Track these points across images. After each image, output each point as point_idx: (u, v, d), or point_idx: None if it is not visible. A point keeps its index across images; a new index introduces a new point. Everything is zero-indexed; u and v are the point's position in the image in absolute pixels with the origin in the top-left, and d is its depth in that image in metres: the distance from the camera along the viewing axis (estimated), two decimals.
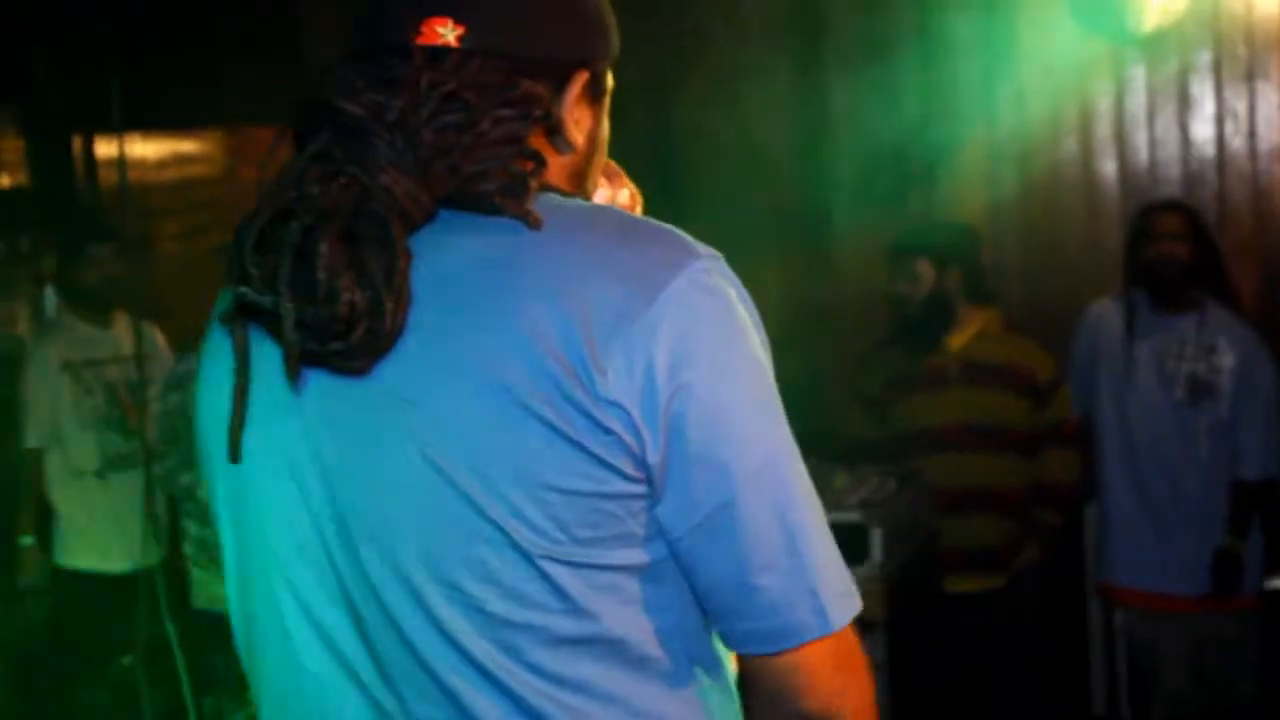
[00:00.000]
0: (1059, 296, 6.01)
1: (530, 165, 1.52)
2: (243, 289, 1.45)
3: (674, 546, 1.52)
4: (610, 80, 1.70)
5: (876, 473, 4.94)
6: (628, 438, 1.46)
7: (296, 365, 1.46)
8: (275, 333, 1.48)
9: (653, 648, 1.53)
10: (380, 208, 1.45)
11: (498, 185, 1.50)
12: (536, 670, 1.50)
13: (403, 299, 1.45)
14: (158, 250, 6.96)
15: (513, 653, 1.49)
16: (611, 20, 1.68)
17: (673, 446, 1.47)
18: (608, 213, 1.56)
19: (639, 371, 1.45)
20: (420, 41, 1.54)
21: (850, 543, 4.52)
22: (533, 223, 1.48)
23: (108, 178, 6.81)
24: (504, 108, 1.52)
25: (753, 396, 1.51)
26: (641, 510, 1.50)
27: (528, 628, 1.49)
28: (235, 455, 1.56)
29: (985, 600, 5.14)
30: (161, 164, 7.07)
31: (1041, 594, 5.29)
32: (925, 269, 5.14)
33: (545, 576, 1.47)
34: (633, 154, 6.43)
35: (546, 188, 1.56)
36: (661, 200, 6.42)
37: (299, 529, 1.56)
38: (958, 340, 5.15)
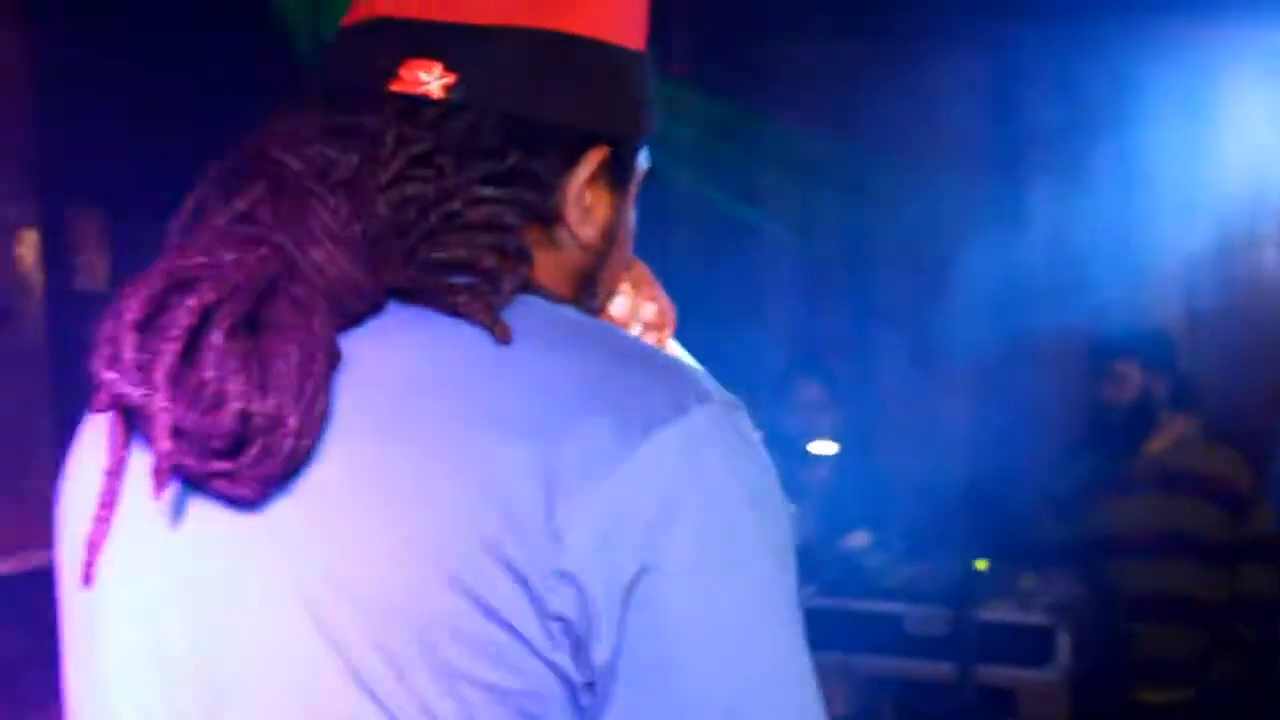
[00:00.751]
0: (1258, 409, 5.88)
1: (510, 262, 1.20)
2: (111, 374, 1.10)
3: None
4: (644, 164, 1.36)
5: (1065, 576, 4.87)
6: (578, 625, 1.08)
7: (164, 480, 1.11)
8: (147, 436, 1.11)
9: None
10: (303, 291, 1.12)
11: (465, 282, 1.17)
12: None
13: (313, 415, 1.10)
14: None
15: None
16: (651, 94, 1.33)
17: (624, 646, 1.08)
18: (606, 333, 1.20)
19: (608, 539, 1.07)
20: (396, 88, 1.21)
21: (1036, 645, 4.45)
22: (500, 335, 1.13)
23: None
24: (487, 184, 1.20)
25: (744, 604, 1.12)
26: None
27: None
28: (88, 577, 1.19)
29: (1175, 712, 5.00)
30: None
31: (1235, 709, 5.13)
32: (1132, 372, 5.05)
33: None
34: (826, 261, 6.38)
35: (532, 289, 1.22)
36: (853, 305, 6.35)
37: (143, 691, 1.21)
38: (1157, 446, 5.05)
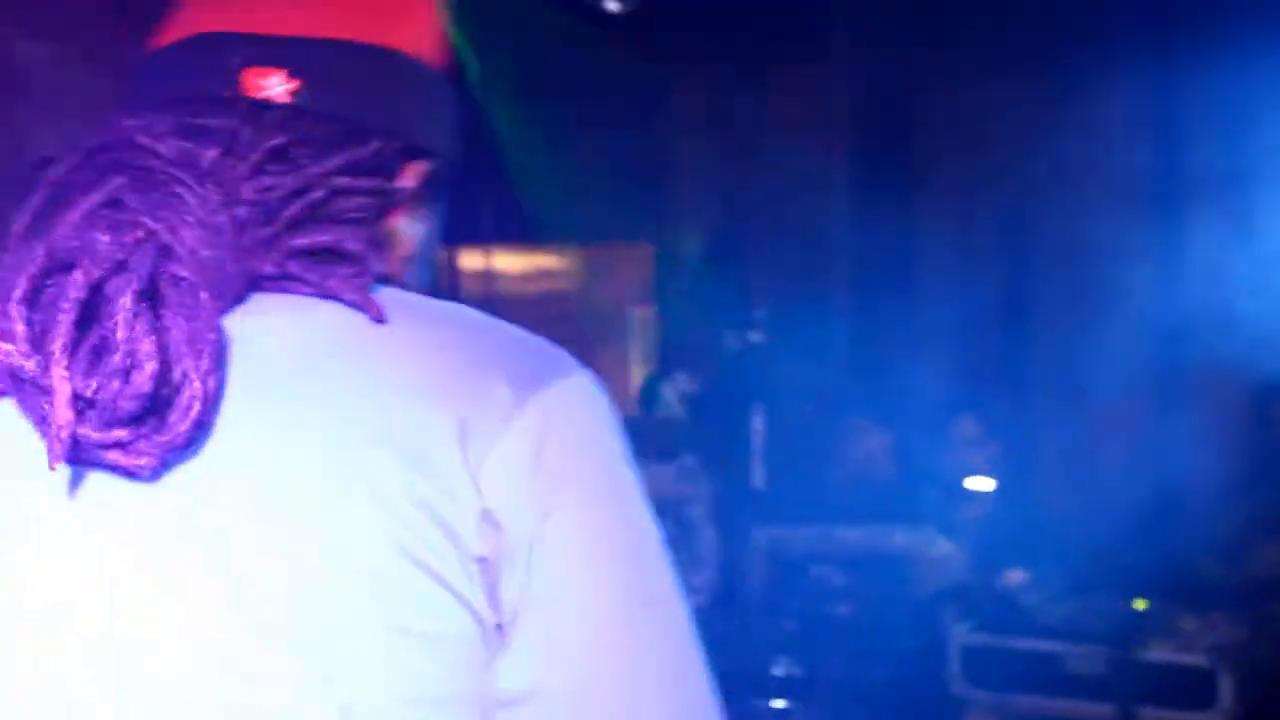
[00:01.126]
0: None
1: (374, 248, 1.24)
2: (5, 346, 1.09)
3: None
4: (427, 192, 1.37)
5: (1226, 618, 4.79)
6: (494, 565, 1.14)
7: (61, 451, 1.08)
8: (36, 409, 1.11)
9: None
10: (183, 270, 1.14)
11: (332, 267, 1.21)
12: None
13: (209, 385, 1.11)
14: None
15: None
16: (454, 118, 1.38)
17: (530, 581, 1.15)
18: (473, 313, 1.25)
19: (518, 483, 1.14)
20: (242, 93, 1.24)
21: (1195, 688, 4.39)
22: (374, 314, 1.18)
23: (472, 288, 7.07)
24: (344, 175, 1.24)
25: (629, 542, 1.20)
26: (480, 665, 1.16)
27: None
28: None
29: None
30: (525, 277, 7.31)
31: None
32: None
33: None
34: (982, 286, 6.38)
35: (386, 279, 1.25)
36: (1011, 331, 6.35)
37: (52, 680, 1.17)
38: None
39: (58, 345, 1.07)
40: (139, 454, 1.11)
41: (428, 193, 1.35)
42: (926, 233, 6.78)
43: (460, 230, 7.09)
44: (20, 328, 1.08)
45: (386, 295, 1.21)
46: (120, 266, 1.11)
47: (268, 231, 1.20)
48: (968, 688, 4.68)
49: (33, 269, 1.10)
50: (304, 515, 1.13)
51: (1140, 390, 6.23)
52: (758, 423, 5.50)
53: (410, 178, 1.31)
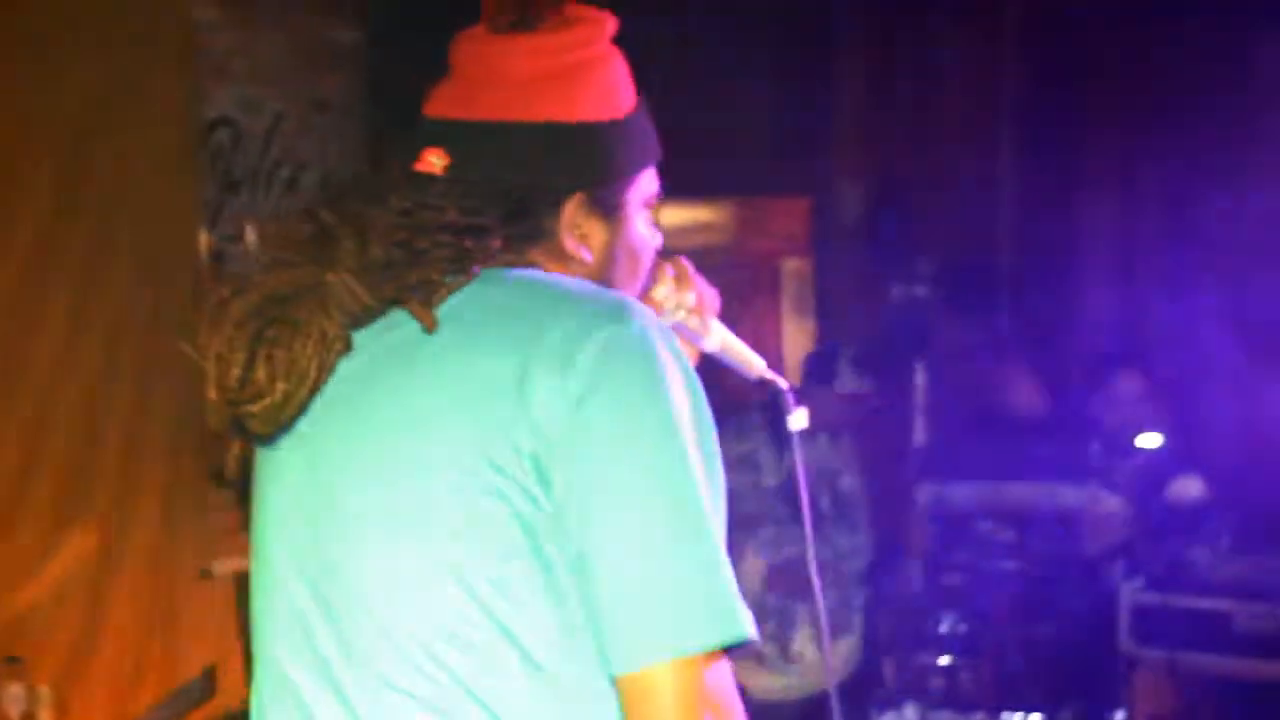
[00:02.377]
0: None
1: (450, 278, 1.68)
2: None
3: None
4: (634, 194, 1.82)
5: None
6: (543, 458, 1.59)
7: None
8: None
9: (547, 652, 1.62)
10: (320, 297, 1.66)
11: (417, 293, 1.68)
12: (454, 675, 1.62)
13: (307, 383, 1.66)
14: None
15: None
16: (617, 146, 1.79)
17: (572, 474, 1.58)
18: (561, 279, 1.72)
19: (558, 399, 1.58)
20: (417, 168, 1.75)
21: None
22: (427, 325, 1.66)
23: None
24: (444, 232, 1.69)
25: (646, 459, 1.58)
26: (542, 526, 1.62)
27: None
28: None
29: None
30: (682, 231, 7.32)
31: None
32: None
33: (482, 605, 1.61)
34: (1144, 242, 6.26)
35: (526, 263, 1.75)
36: (1174, 285, 6.23)
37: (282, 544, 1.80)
38: None
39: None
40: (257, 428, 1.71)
41: (598, 212, 1.79)
42: (1089, 189, 6.69)
43: None
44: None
45: (510, 276, 1.71)
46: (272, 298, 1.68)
47: (391, 273, 1.67)
48: (1137, 646, 4.65)
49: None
50: (426, 439, 1.63)
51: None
52: (920, 377, 5.48)
53: (569, 208, 1.76)
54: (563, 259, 1.77)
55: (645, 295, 1.93)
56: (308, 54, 6.07)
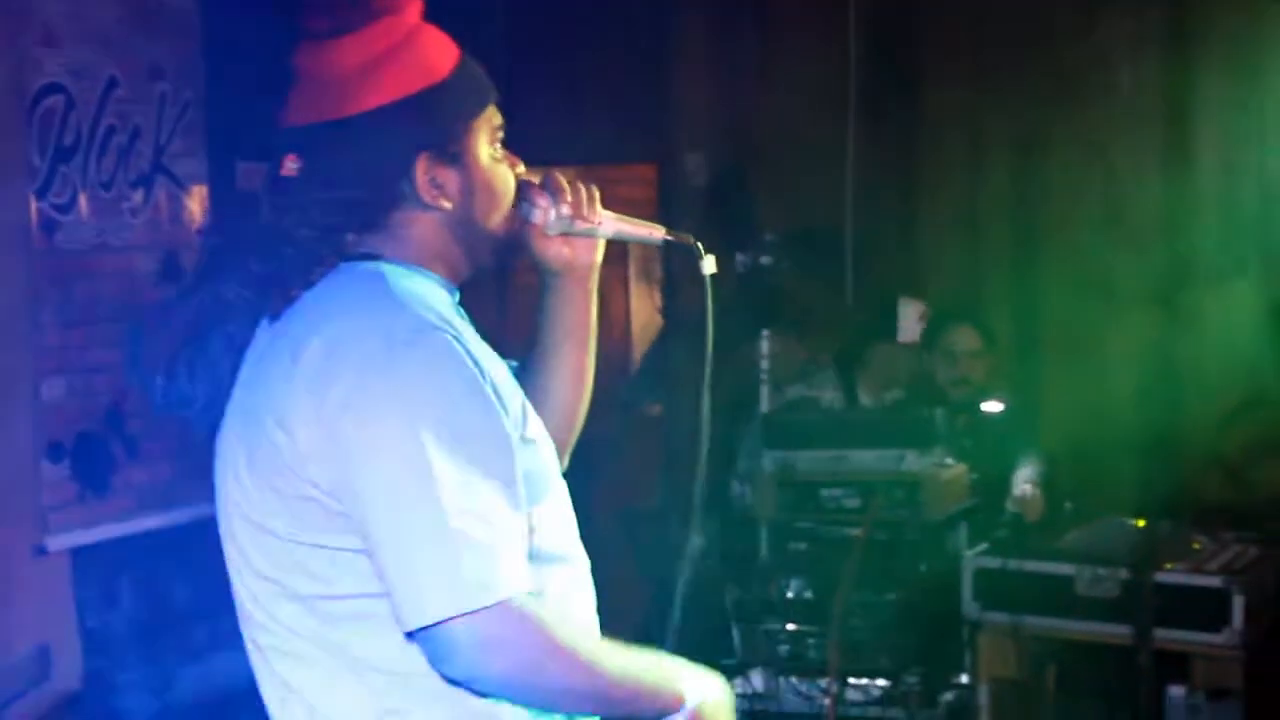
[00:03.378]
0: None
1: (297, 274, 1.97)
2: None
3: None
4: (475, 138, 2.06)
5: (1235, 538, 4.78)
6: (301, 460, 1.91)
7: None
8: None
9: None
10: (220, 308, 1.99)
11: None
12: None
13: (224, 382, 2.02)
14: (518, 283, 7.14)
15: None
16: (444, 101, 2.02)
17: (328, 475, 1.89)
18: (356, 287, 1.96)
19: (321, 415, 1.86)
20: (281, 174, 2.00)
21: (1211, 609, 4.37)
22: (271, 313, 1.99)
23: None
24: (307, 235, 1.98)
25: (385, 469, 1.85)
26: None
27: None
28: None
29: None
30: None
31: None
32: None
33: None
34: (994, 208, 6.36)
35: (386, 258, 2.02)
36: (1017, 256, 6.29)
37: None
38: None
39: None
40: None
41: (445, 162, 2.03)
42: (932, 151, 6.72)
43: None
44: None
45: (334, 282, 1.99)
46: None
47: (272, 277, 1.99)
48: (980, 610, 4.66)
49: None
50: (242, 434, 1.98)
51: (1148, 313, 6.17)
52: (765, 346, 5.45)
53: (419, 169, 2.01)
54: (424, 214, 2.04)
55: (523, 221, 2.17)
56: (140, 19, 5.93)
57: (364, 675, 1.93)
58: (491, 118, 2.09)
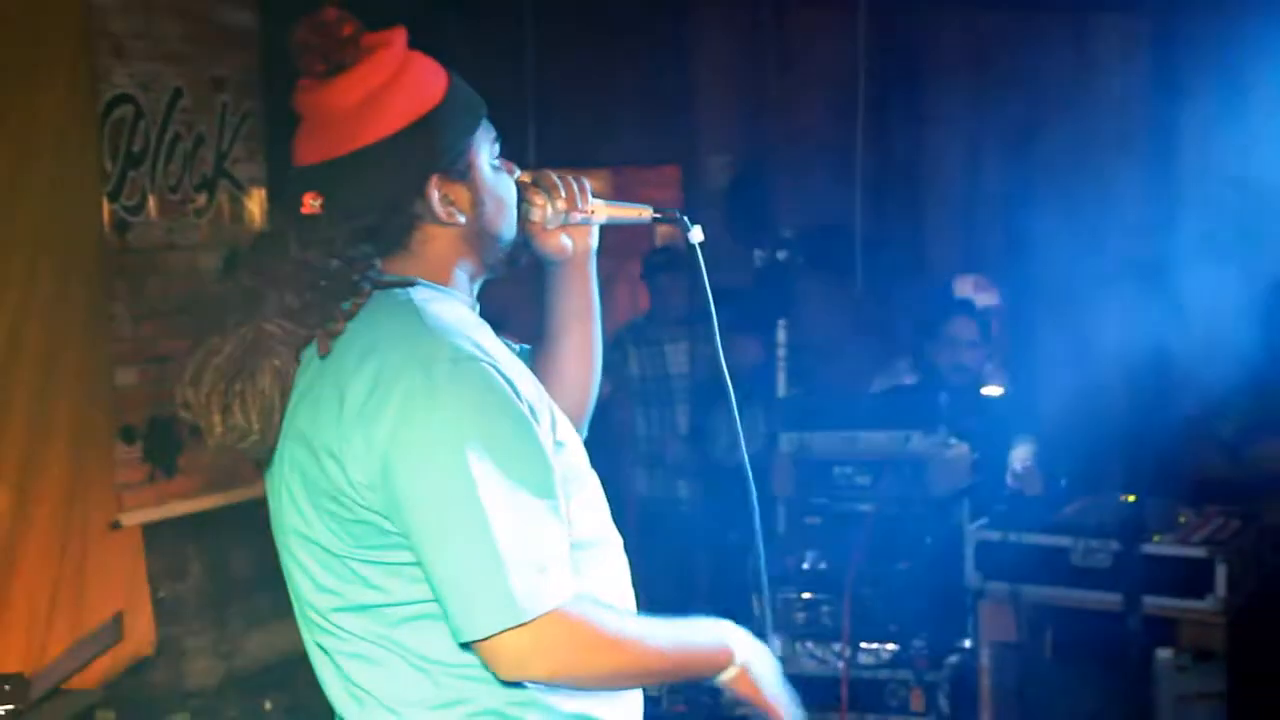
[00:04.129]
0: None
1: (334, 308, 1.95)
2: None
3: None
4: (475, 151, 2.04)
5: (1220, 511, 4.81)
6: (360, 477, 1.91)
7: None
8: None
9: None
10: (263, 341, 1.95)
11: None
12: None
13: (275, 412, 1.97)
14: None
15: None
16: (443, 123, 2.01)
17: (387, 491, 1.89)
18: (393, 321, 1.94)
19: (369, 445, 1.87)
20: (302, 212, 1.98)
21: (1196, 577, 4.42)
22: (321, 351, 1.95)
23: None
24: (337, 266, 1.96)
25: (433, 493, 1.86)
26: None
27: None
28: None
29: None
30: None
31: None
32: None
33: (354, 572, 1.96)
34: (991, 204, 6.29)
35: (413, 278, 2.01)
36: (1012, 249, 6.28)
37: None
38: None
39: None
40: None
41: (454, 181, 2.02)
42: (935, 155, 6.75)
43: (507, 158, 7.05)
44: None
45: (370, 309, 1.97)
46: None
47: (308, 309, 1.96)
48: (981, 580, 4.70)
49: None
50: (295, 462, 1.97)
51: (1139, 295, 6.19)
52: (781, 335, 5.50)
53: (432, 192, 2.00)
54: (442, 231, 2.03)
55: (526, 221, 2.18)
56: (203, 34, 6.00)
57: (428, 669, 1.95)
58: (486, 130, 2.09)
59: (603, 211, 2.29)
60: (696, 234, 2.29)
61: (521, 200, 2.16)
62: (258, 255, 2.00)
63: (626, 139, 6.95)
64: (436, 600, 1.89)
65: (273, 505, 2.05)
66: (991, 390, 5.32)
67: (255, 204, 6.21)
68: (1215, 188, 6.14)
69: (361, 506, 1.89)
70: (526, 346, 2.33)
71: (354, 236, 1.97)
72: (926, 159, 6.80)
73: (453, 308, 2.01)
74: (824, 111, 6.81)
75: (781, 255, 5.58)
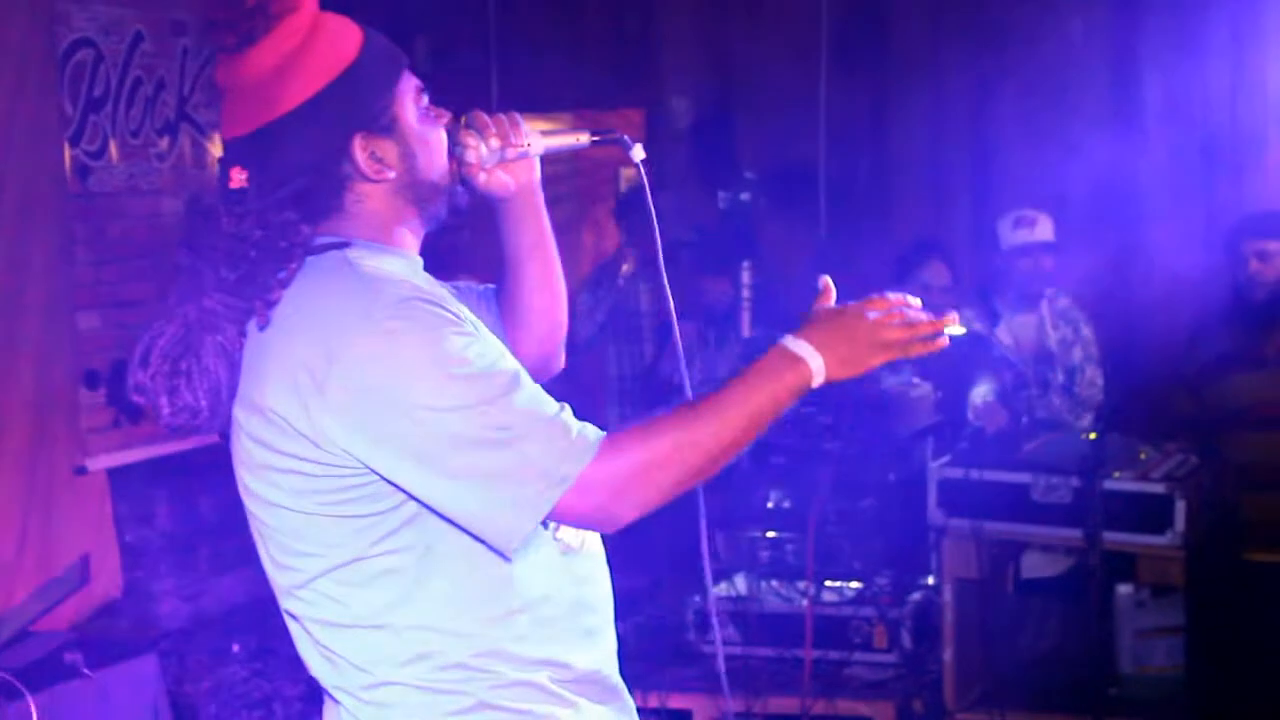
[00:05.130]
0: None
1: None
2: None
3: None
4: (398, 103, 2.02)
5: (1179, 448, 4.84)
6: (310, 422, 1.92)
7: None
8: None
9: None
10: (206, 319, 1.95)
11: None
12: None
13: (223, 387, 1.96)
14: None
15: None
16: (359, 80, 1.99)
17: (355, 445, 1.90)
18: (329, 282, 1.94)
19: (328, 407, 1.87)
20: (230, 186, 1.98)
21: (1155, 513, 4.46)
22: (261, 324, 1.94)
23: None
24: (266, 236, 1.95)
25: (400, 426, 1.87)
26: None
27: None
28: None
29: None
30: None
31: None
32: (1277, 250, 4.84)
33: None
34: (955, 147, 6.32)
35: (337, 245, 1.99)
36: (976, 192, 6.30)
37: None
38: None
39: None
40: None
41: (380, 135, 2.00)
42: (901, 97, 6.75)
43: (468, 106, 7.01)
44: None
45: (307, 274, 1.96)
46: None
47: (245, 282, 1.96)
48: (944, 517, 4.72)
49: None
50: (253, 432, 1.97)
51: (1102, 239, 6.21)
52: (746, 276, 5.51)
53: (358, 150, 1.99)
54: (374, 188, 2.02)
55: (463, 163, 2.15)
56: None
57: (393, 627, 1.97)
58: (408, 80, 2.07)
59: (539, 143, 2.24)
60: (638, 152, 2.25)
61: (455, 144, 2.14)
62: (192, 232, 2.00)
63: (590, 81, 6.92)
64: (401, 550, 1.94)
65: (238, 476, 2.05)
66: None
67: (217, 148, 6.16)
68: (1180, 124, 6.16)
69: (325, 466, 1.91)
70: (491, 286, 2.32)
71: (281, 204, 1.96)
72: (892, 101, 6.79)
73: (389, 262, 2.01)
74: (788, 54, 6.78)
75: (745, 197, 5.59)
